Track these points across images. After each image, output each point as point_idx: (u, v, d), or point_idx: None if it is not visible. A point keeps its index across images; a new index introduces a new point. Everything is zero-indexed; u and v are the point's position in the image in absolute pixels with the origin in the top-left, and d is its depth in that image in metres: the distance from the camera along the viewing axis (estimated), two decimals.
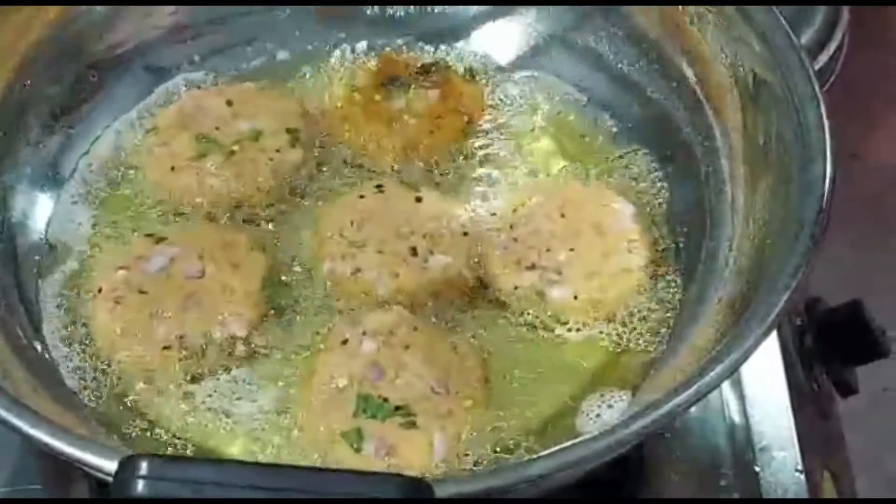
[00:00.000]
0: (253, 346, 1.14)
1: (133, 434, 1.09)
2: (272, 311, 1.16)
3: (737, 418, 1.17)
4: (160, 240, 1.18)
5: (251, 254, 1.17)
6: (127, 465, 0.81)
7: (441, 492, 0.82)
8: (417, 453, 1.04)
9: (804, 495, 1.12)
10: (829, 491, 1.16)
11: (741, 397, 1.18)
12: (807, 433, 1.16)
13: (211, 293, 1.13)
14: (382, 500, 0.79)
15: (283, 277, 1.19)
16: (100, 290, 1.15)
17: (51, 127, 1.27)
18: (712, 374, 0.92)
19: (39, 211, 1.24)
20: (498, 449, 1.07)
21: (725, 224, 1.14)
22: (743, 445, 1.15)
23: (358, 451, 1.04)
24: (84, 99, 1.30)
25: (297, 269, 1.20)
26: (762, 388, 1.18)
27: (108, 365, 1.13)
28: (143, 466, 0.80)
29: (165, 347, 1.11)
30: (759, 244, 1.07)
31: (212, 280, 1.14)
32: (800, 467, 1.13)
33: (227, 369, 1.13)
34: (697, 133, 1.21)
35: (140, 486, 0.79)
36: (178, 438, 1.09)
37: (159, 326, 1.12)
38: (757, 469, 1.13)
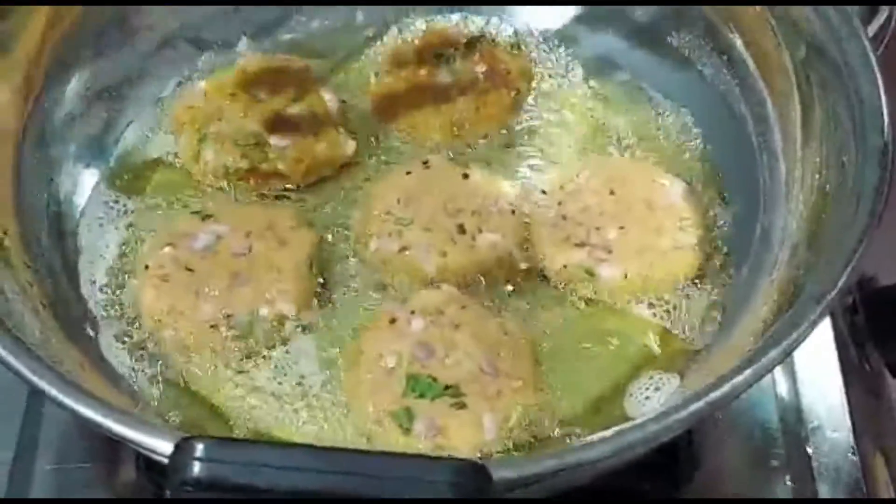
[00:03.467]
0: (300, 324, 1.13)
1: (179, 414, 1.09)
2: (319, 289, 1.15)
3: (788, 398, 1.15)
4: (206, 217, 1.17)
5: (298, 231, 1.16)
6: (183, 446, 0.80)
7: (497, 475, 0.81)
8: (466, 434, 1.04)
9: (858, 477, 1.10)
10: (881, 472, 1.15)
11: (792, 377, 1.17)
12: (859, 413, 1.15)
13: (258, 271, 1.13)
14: (438, 482, 0.78)
15: (330, 255, 1.18)
16: (146, 268, 1.14)
17: (95, 103, 1.26)
18: (769, 356, 0.91)
19: (84, 187, 1.23)
20: (547, 431, 1.06)
21: (779, 202, 1.12)
22: (794, 426, 1.14)
23: (407, 430, 1.04)
24: (128, 75, 1.29)
25: (344, 246, 1.19)
26: (814, 368, 1.17)
27: (155, 344, 1.12)
28: (200, 448, 0.80)
29: (212, 326, 1.11)
30: (814, 221, 1.05)
31: (259, 257, 1.13)
32: (853, 448, 1.12)
33: (274, 347, 1.12)
34: (749, 107, 1.20)
35: (196, 468, 0.79)
36: (224, 418, 1.08)
37: (206, 304, 1.11)
38: (809, 450, 1.12)
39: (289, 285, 1.13)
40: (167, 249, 1.14)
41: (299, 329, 1.13)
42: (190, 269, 1.13)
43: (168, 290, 1.12)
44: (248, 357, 1.12)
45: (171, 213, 1.22)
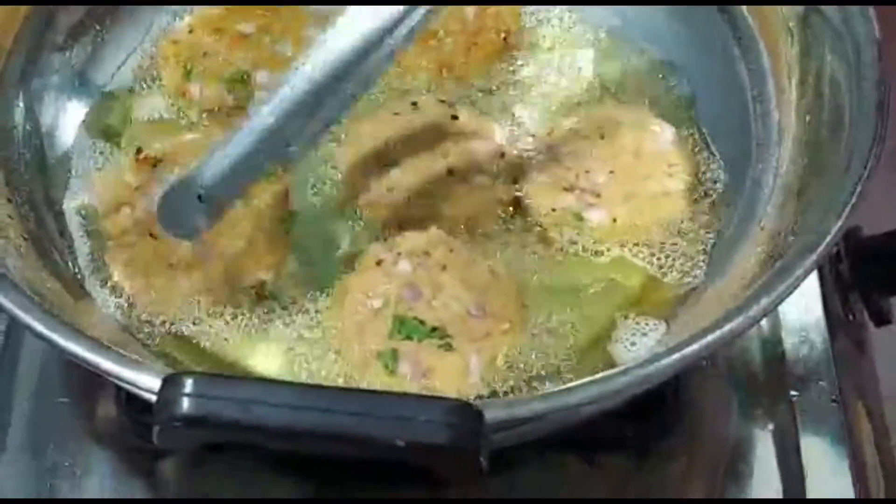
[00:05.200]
0: (283, 278, 1.11)
1: (163, 354, 1.07)
2: (303, 237, 1.14)
3: (773, 346, 1.15)
4: (156, 162, 1.13)
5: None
6: (171, 382, 0.80)
7: (489, 416, 0.81)
8: (453, 376, 1.03)
9: (839, 426, 1.11)
10: (863, 422, 1.15)
11: (777, 325, 1.16)
12: (843, 363, 1.15)
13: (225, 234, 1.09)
14: (432, 422, 0.78)
15: (313, 197, 1.16)
16: (110, 239, 1.12)
17: (80, 33, 1.24)
18: (760, 304, 0.90)
19: (68, 121, 1.21)
20: (534, 374, 1.06)
21: (772, 150, 1.11)
22: (778, 374, 1.14)
23: (392, 372, 1.03)
24: (115, 9, 1.26)
25: (328, 187, 1.17)
26: (799, 317, 1.17)
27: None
28: (189, 384, 0.79)
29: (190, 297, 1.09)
30: (807, 171, 1.05)
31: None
32: (836, 397, 1.12)
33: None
34: (744, 57, 1.19)
35: (185, 403, 0.78)
36: (212, 359, 1.07)
37: (183, 280, 1.09)
38: (793, 397, 1.12)
39: (265, 250, 1.10)
40: (124, 212, 1.11)
41: (283, 280, 1.12)
42: (153, 236, 1.09)
43: (137, 263, 1.09)
44: (234, 317, 1.10)
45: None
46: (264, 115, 0.97)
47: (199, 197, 1.00)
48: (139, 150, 1.13)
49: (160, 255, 1.09)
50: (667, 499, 1.09)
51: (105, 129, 1.22)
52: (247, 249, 1.09)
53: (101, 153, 1.20)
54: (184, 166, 1.06)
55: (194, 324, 1.09)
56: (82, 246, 1.13)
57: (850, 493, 1.08)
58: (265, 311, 1.10)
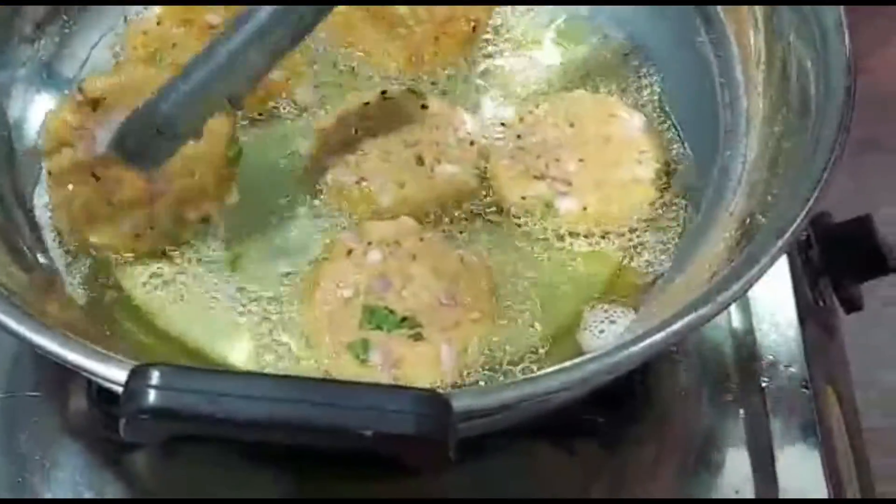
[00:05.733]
0: (245, 256, 1.11)
1: (131, 347, 1.07)
2: (270, 222, 1.13)
3: (742, 333, 1.16)
4: (97, 104, 1.10)
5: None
6: (138, 374, 0.79)
7: (457, 405, 0.81)
8: (424, 365, 1.03)
9: (810, 412, 1.11)
10: (833, 408, 1.16)
11: (747, 311, 1.17)
12: (813, 349, 1.16)
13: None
14: (400, 412, 0.78)
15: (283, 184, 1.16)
16: (49, 174, 1.10)
17: (47, 24, 1.23)
18: (730, 290, 0.90)
19: (36, 114, 1.19)
20: (505, 363, 1.06)
21: (740, 137, 1.11)
22: (749, 360, 1.14)
23: (363, 362, 1.03)
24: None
25: (298, 177, 1.17)
26: (769, 303, 1.17)
27: (89, 258, 1.11)
28: (156, 376, 0.79)
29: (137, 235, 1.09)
30: (775, 157, 1.05)
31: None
32: (806, 383, 1.13)
33: (227, 281, 1.10)
34: (712, 44, 1.19)
35: (152, 396, 0.78)
36: (178, 348, 1.07)
37: (125, 218, 1.09)
38: (763, 384, 1.12)
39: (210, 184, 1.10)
40: (66, 151, 1.09)
41: (246, 261, 1.12)
42: (96, 176, 1.08)
43: (79, 203, 1.09)
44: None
45: None
46: (220, 49, 0.99)
47: (157, 129, 1.02)
48: (80, 90, 1.11)
49: (101, 195, 1.08)
50: (651, 499, 1.09)
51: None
52: (195, 185, 1.09)
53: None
54: (127, 107, 1.06)
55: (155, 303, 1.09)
56: (52, 240, 1.13)
57: (820, 479, 1.09)
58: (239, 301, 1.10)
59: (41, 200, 1.14)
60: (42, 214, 1.14)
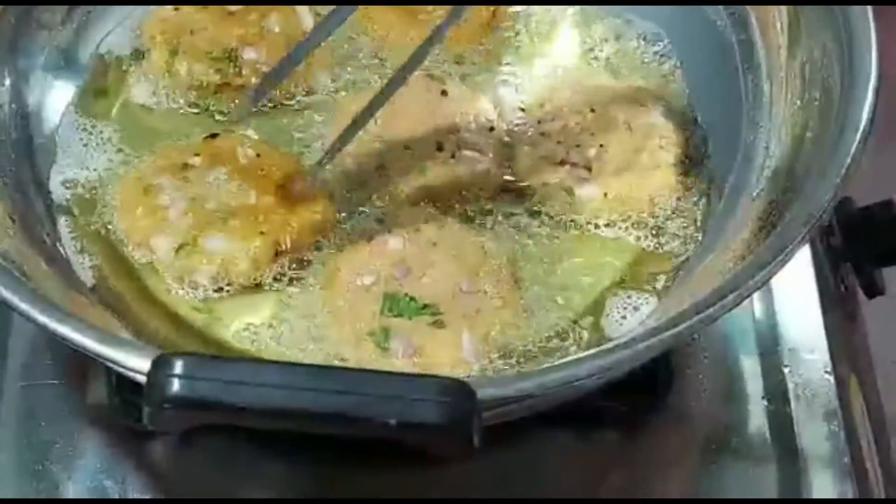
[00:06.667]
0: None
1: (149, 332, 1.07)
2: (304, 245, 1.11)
3: (765, 320, 1.15)
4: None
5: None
6: (161, 363, 0.79)
7: (481, 394, 0.80)
8: (445, 353, 1.03)
9: (833, 399, 1.10)
10: (855, 395, 1.15)
11: (769, 298, 1.16)
12: (835, 336, 1.15)
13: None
14: (424, 401, 0.78)
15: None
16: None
17: (66, 12, 1.22)
18: (755, 278, 0.90)
19: (55, 101, 1.20)
20: (526, 350, 1.05)
21: (762, 122, 1.11)
22: (771, 347, 1.13)
23: (384, 350, 1.03)
24: None
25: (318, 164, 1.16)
26: (791, 290, 1.16)
27: (121, 261, 1.11)
28: (178, 365, 0.78)
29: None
30: (800, 143, 1.04)
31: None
32: (829, 370, 1.12)
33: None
34: (734, 28, 1.18)
35: (175, 385, 0.78)
36: (200, 340, 1.07)
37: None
38: (785, 372, 1.12)
39: None
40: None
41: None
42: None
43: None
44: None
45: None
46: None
47: None
48: None
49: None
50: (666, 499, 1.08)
51: (93, 108, 1.21)
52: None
53: (89, 132, 1.19)
54: None
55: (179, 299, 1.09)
56: (64, 227, 1.13)
57: (844, 465, 1.08)
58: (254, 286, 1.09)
59: (57, 180, 1.15)
60: (58, 200, 1.14)
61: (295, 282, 1.09)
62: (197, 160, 1.12)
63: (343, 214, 1.13)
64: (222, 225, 1.08)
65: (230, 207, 1.09)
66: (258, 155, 1.13)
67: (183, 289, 1.09)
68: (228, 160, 1.12)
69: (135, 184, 1.12)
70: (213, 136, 1.15)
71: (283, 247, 1.09)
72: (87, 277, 1.10)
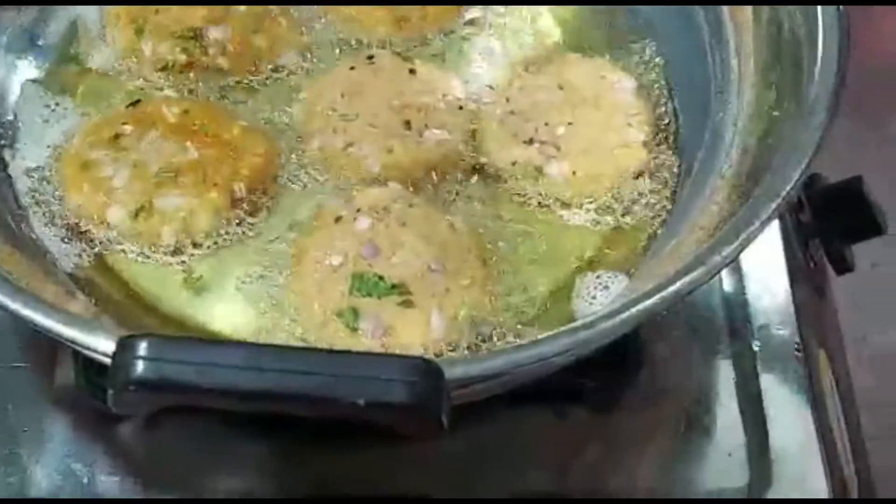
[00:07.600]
0: (240, 224, 1.10)
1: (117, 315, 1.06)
2: (258, 189, 1.12)
3: (734, 295, 1.15)
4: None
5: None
6: (126, 345, 0.78)
7: (450, 373, 0.80)
8: (414, 333, 1.02)
9: (802, 374, 1.11)
10: (824, 370, 1.15)
11: (738, 274, 1.16)
12: (804, 311, 1.15)
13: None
14: (392, 380, 0.77)
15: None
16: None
17: None
18: (723, 253, 0.90)
19: (17, 81, 1.19)
20: (496, 329, 1.05)
21: (731, 99, 1.10)
22: (740, 322, 1.13)
23: (353, 330, 1.02)
24: None
25: (284, 144, 1.15)
26: (760, 265, 1.16)
27: (84, 232, 1.10)
28: (143, 347, 0.78)
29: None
30: (767, 119, 1.04)
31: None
32: (798, 345, 1.12)
33: (216, 246, 1.09)
34: (703, 5, 1.17)
35: (140, 367, 0.77)
36: (167, 317, 1.07)
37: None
38: (755, 347, 1.12)
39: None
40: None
41: (240, 230, 1.10)
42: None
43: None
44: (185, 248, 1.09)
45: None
46: None
47: None
48: None
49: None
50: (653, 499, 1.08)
51: (56, 86, 1.20)
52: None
53: (52, 108, 1.18)
54: None
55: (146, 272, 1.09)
56: (32, 204, 1.12)
57: (813, 440, 1.08)
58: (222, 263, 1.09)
59: (20, 165, 1.14)
60: (22, 184, 1.13)
61: (254, 227, 1.10)
62: (127, 128, 1.12)
63: (311, 193, 1.12)
64: (173, 184, 1.08)
65: (175, 165, 1.09)
66: (185, 111, 1.13)
67: (152, 254, 1.09)
68: (158, 122, 1.12)
69: (72, 160, 1.11)
70: (135, 102, 1.15)
71: (239, 193, 1.10)
72: (67, 265, 1.09)
